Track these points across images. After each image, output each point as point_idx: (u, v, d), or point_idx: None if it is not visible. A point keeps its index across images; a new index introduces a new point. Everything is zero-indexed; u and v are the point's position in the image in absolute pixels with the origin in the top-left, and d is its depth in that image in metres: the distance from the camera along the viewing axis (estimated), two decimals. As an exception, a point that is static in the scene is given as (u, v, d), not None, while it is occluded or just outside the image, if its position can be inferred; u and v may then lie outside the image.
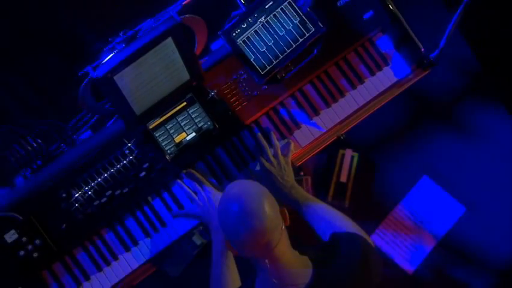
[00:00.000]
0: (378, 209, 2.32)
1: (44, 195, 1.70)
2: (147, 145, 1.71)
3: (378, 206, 2.33)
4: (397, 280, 2.26)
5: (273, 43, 1.70)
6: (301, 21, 1.69)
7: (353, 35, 1.78)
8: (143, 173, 1.71)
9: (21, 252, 1.66)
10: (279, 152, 1.73)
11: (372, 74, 1.83)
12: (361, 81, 1.82)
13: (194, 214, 1.72)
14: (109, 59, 1.51)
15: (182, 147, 1.71)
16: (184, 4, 1.61)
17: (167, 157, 1.70)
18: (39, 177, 1.71)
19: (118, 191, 1.71)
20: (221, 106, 1.75)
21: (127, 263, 1.75)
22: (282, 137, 1.80)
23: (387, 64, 1.83)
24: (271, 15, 1.68)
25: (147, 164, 1.71)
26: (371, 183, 2.34)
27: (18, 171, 1.72)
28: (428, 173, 2.31)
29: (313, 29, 1.69)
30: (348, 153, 2.28)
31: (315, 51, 1.76)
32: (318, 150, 1.81)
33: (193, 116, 1.72)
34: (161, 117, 1.70)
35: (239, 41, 1.69)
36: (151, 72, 1.58)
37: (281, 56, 1.71)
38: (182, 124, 1.72)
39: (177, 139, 1.71)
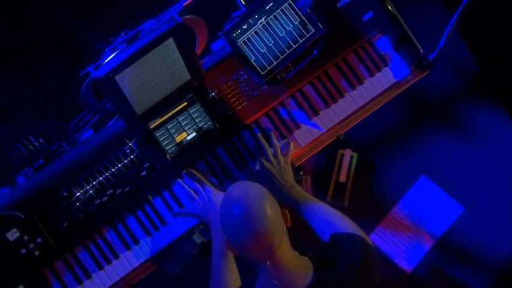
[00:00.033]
0: (377, 208, 2.33)
1: (46, 194, 1.70)
2: (148, 145, 1.72)
3: (377, 205, 2.33)
4: (396, 279, 2.27)
5: (273, 44, 1.71)
6: (301, 22, 1.70)
7: (353, 36, 1.79)
8: (144, 172, 1.72)
9: (23, 251, 1.67)
10: (279, 151, 1.74)
11: (372, 74, 1.84)
12: (360, 82, 1.83)
13: (194, 213, 1.73)
14: (110, 59, 1.52)
15: (182, 146, 1.72)
16: (185, 5, 1.62)
17: (168, 157, 1.71)
18: (41, 176, 1.71)
19: (119, 190, 1.72)
20: (221, 106, 1.76)
21: (128, 261, 1.76)
22: (282, 137, 1.81)
23: (386, 65, 1.84)
24: (272, 16, 1.69)
25: (148, 164, 1.72)
26: (370, 183, 2.35)
27: (20, 170, 1.73)
28: (427, 173, 2.32)
29: (313, 30, 1.70)
30: (348, 153, 2.29)
31: (315, 52, 1.77)
32: (318, 150, 1.82)
33: (193, 116, 1.73)
34: (162, 117, 1.71)
35: (239, 41, 1.70)
36: (152, 72, 1.59)
37: (281, 57, 1.71)
38: (183, 124, 1.73)
39: (178, 139, 1.72)
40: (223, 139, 1.78)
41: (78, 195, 1.70)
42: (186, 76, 1.68)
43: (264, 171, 1.71)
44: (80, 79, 1.57)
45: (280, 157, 1.73)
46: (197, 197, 1.74)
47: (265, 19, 1.69)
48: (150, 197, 1.78)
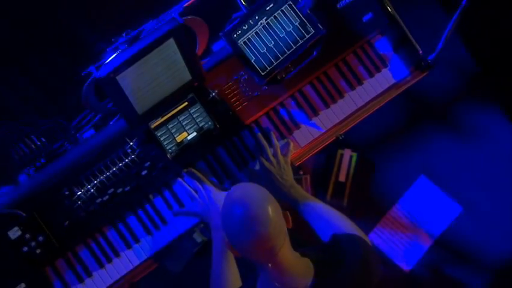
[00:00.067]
0: (376, 207, 2.34)
1: (47, 193, 1.71)
2: (149, 144, 1.73)
3: (376, 205, 2.35)
4: (394, 278, 2.28)
5: (273, 44, 1.72)
6: (302, 23, 1.71)
7: (352, 37, 1.80)
8: (144, 172, 1.73)
9: (25, 249, 1.67)
10: (279, 151, 1.75)
11: (371, 75, 1.85)
12: (360, 83, 1.84)
13: (194, 212, 1.74)
14: (111, 59, 1.53)
15: (183, 146, 1.73)
16: (186, 6, 1.63)
17: (169, 156, 1.72)
18: (43, 175, 1.73)
19: (120, 189, 1.73)
20: (222, 106, 1.76)
21: (128, 260, 1.77)
22: (282, 137, 1.82)
23: (385, 66, 1.85)
24: (272, 17, 1.70)
25: (149, 163, 1.73)
26: (369, 182, 2.36)
27: (22, 169, 1.74)
28: (426, 173, 2.33)
29: (313, 31, 1.71)
30: (347, 153, 2.30)
31: (314, 52, 1.78)
32: (317, 150, 1.83)
33: (194, 116, 1.74)
34: (163, 117, 1.72)
35: (240, 42, 1.71)
36: (153, 73, 1.60)
37: (281, 57, 1.72)
38: (183, 124, 1.73)
39: (178, 138, 1.73)
40: (224, 139, 1.79)
41: (79, 194, 1.71)
42: (187, 76, 1.69)
43: (264, 171, 1.72)
44: (81, 79, 1.57)
45: (280, 157, 1.73)
46: (197, 196, 1.74)
47: (265, 20, 1.70)
48: (151, 196, 1.79)
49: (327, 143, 1.83)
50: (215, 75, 1.77)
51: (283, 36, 1.72)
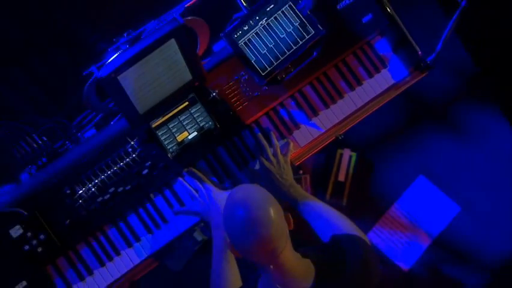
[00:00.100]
0: (375, 207, 2.34)
1: (49, 192, 1.72)
2: (150, 143, 1.74)
3: (375, 204, 2.35)
4: (393, 278, 2.29)
5: (273, 45, 1.73)
6: (302, 24, 1.72)
7: (352, 37, 1.81)
8: (145, 171, 1.74)
9: (26, 247, 1.68)
10: (279, 151, 1.75)
11: (371, 76, 1.85)
12: (359, 83, 1.85)
13: (195, 211, 1.74)
14: (113, 59, 1.54)
15: (184, 146, 1.73)
16: (187, 6, 1.63)
17: (170, 155, 1.73)
18: (44, 174, 1.73)
19: (121, 188, 1.74)
20: (222, 106, 1.77)
21: (129, 258, 1.78)
22: (282, 136, 1.83)
23: (385, 67, 1.86)
24: (272, 17, 1.71)
25: (149, 162, 1.74)
26: (368, 182, 2.37)
27: (24, 168, 1.74)
28: (424, 173, 2.34)
29: (313, 32, 1.72)
30: (346, 152, 2.30)
31: (314, 53, 1.79)
32: (317, 150, 1.84)
33: (195, 116, 1.75)
34: (163, 117, 1.73)
35: (240, 42, 1.71)
36: (154, 73, 1.61)
37: (281, 58, 1.73)
38: (184, 123, 1.74)
39: (179, 138, 1.74)
40: (224, 138, 1.80)
41: (81, 193, 1.72)
42: (188, 76, 1.70)
43: (264, 170, 1.73)
44: (83, 79, 1.58)
45: (280, 156, 1.74)
46: (198, 196, 1.75)
47: (266, 20, 1.71)
48: (151, 195, 1.80)
49: (326, 143, 1.84)
50: (216, 75, 1.78)
51: (284, 37, 1.72)
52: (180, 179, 1.78)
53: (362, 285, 1.36)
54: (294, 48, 1.73)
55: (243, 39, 1.71)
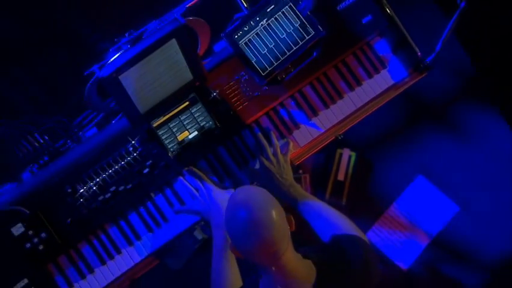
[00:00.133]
0: (375, 206, 2.35)
1: (50, 190, 1.73)
2: (151, 143, 1.75)
3: (375, 204, 2.36)
4: (391, 277, 2.30)
5: (274, 45, 1.73)
6: (302, 25, 1.73)
7: (352, 38, 1.81)
8: (146, 170, 1.75)
9: (28, 245, 1.69)
10: (279, 151, 1.76)
11: (370, 76, 1.86)
12: (359, 84, 1.86)
13: (195, 210, 1.75)
14: (114, 59, 1.55)
15: (184, 145, 1.74)
16: (188, 6, 1.64)
17: (170, 155, 1.74)
18: (46, 173, 1.74)
19: (122, 187, 1.75)
20: (223, 106, 1.78)
21: (130, 257, 1.79)
22: (282, 136, 1.84)
23: (384, 67, 1.87)
24: (273, 18, 1.72)
25: (150, 161, 1.75)
26: (367, 181, 2.37)
27: (26, 166, 1.75)
28: (424, 173, 2.34)
29: (313, 32, 1.73)
30: (346, 152, 2.31)
31: (314, 53, 1.80)
32: (317, 149, 1.84)
33: (195, 115, 1.76)
34: (164, 116, 1.74)
35: (241, 43, 1.72)
36: (155, 72, 1.62)
37: (282, 58, 1.74)
38: (185, 123, 1.75)
39: (180, 137, 1.74)
40: (224, 138, 1.81)
41: (82, 192, 1.73)
42: (188, 76, 1.71)
43: (264, 170, 1.73)
44: (84, 78, 1.59)
45: (280, 156, 1.75)
46: (198, 195, 1.76)
47: (266, 21, 1.72)
48: (152, 194, 1.81)
49: (326, 143, 1.84)
50: (216, 75, 1.79)
51: (284, 38, 1.73)
52: (181, 178, 1.79)
53: (362, 285, 1.36)
54: (294, 48, 1.74)
55: (243, 39, 1.72)
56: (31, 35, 2.34)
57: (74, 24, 2.37)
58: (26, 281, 1.71)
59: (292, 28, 1.73)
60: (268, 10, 1.71)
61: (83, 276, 1.77)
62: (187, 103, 1.75)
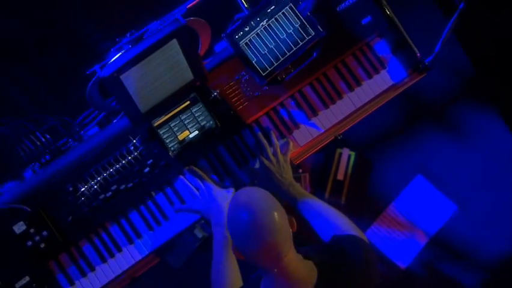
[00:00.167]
0: (374, 206, 2.36)
1: (52, 189, 1.74)
2: (151, 142, 1.76)
3: (374, 203, 2.37)
4: (390, 276, 2.31)
5: (274, 46, 1.74)
6: (302, 25, 1.73)
7: (352, 39, 1.82)
8: (147, 169, 1.76)
9: (29, 243, 1.70)
10: (279, 150, 1.77)
11: (370, 77, 1.87)
12: (358, 84, 1.86)
13: (195, 209, 1.76)
14: (116, 59, 1.55)
15: (185, 144, 1.75)
16: (189, 7, 1.65)
17: (171, 154, 1.74)
18: (48, 171, 1.75)
19: (123, 186, 1.75)
20: (223, 106, 1.79)
21: (131, 255, 1.80)
22: (282, 136, 1.84)
23: (384, 68, 1.87)
24: (273, 18, 1.72)
25: (151, 160, 1.76)
26: (367, 181, 2.38)
27: (28, 165, 1.76)
28: (422, 172, 2.35)
29: (313, 33, 1.73)
30: (345, 152, 2.32)
31: (314, 54, 1.81)
32: (316, 149, 1.85)
33: (196, 115, 1.76)
34: (165, 116, 1.74)
35: (242, 43, 1.73)
36: (156, 72, 1.62)
37: (282, 59, 1.75)
38: (185, 122, 1.76)
39: (180, 137, 1.75)
40: (225, 138, 1.81)
41: (83, 190, 1.74)
42: (189, 76, 1.71)
43: (264, 169, 1.74)
44: (86, 78, 1.59)
45: (280, 156, 1.76)
46: (198, 193, 1.77)
47: (266, 21, 1.72)
48: (153, 193, 1.81)
49: (326, 143, 1.85)
50: (217, 75, 1.79)
51: (284, 38, 1.74)
52: (181, 177, 1.80)
53: (363, 285, 1.37)
54: (295, 49, 1.74)
55: (244, 39, 1.72)
56: (34, 35, 2.35)
57: (76, 24, 2.37)
58: (27, 278, 1.72)
59: (292, 29, 1.73)
60: (269, 11, 1.71)
61: (84, 274, 1.78)
62: (187, 103, 1.75)
